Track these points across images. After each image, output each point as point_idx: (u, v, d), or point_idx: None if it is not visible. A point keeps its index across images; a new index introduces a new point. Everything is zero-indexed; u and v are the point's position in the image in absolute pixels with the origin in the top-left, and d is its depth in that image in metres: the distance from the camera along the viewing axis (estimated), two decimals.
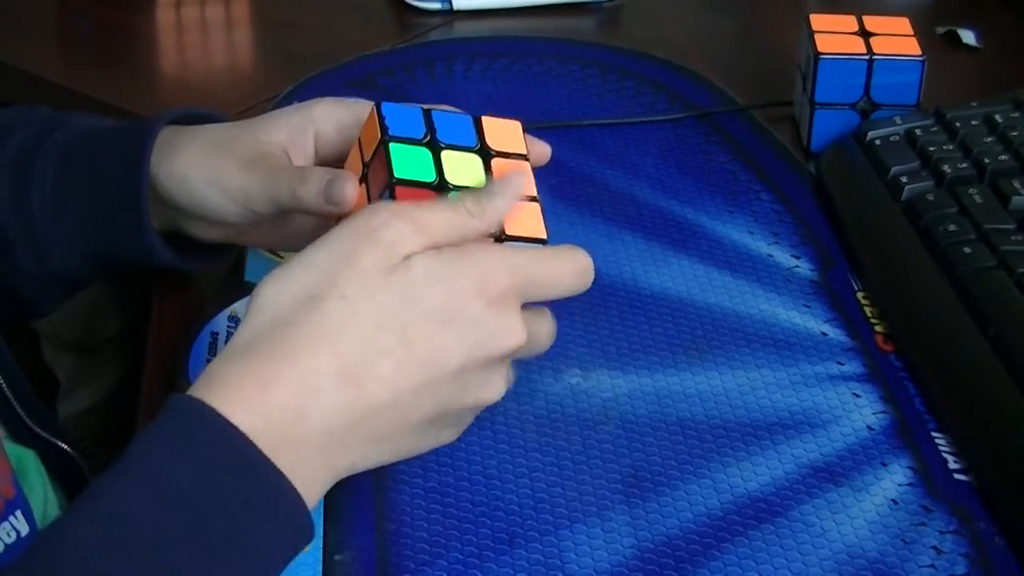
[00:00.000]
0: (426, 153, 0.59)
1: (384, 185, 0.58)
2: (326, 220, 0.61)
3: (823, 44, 0.83)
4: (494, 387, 0.57)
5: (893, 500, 0.60)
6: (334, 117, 0.65)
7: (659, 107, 0.91)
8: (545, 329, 0.59)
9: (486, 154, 0.60)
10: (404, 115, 0.59)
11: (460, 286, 0.54)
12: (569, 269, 0.58)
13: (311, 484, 0.52)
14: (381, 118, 0.59)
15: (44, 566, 0.47)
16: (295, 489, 0.51)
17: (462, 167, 0.59)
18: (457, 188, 0.58)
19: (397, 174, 0.58)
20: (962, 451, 0.62)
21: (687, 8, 1.11)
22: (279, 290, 0.54)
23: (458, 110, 0.62)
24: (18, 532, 0.58)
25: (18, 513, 0.59)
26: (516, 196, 0.58)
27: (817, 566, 0.56)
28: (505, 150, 0.60)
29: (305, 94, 0.90)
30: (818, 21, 0.85)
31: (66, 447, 0.72)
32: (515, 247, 0.57)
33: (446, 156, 0.59)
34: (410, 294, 0.54)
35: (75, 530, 0.48)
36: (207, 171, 0.65)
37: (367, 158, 0.60)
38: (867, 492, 0.60)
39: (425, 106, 0.60)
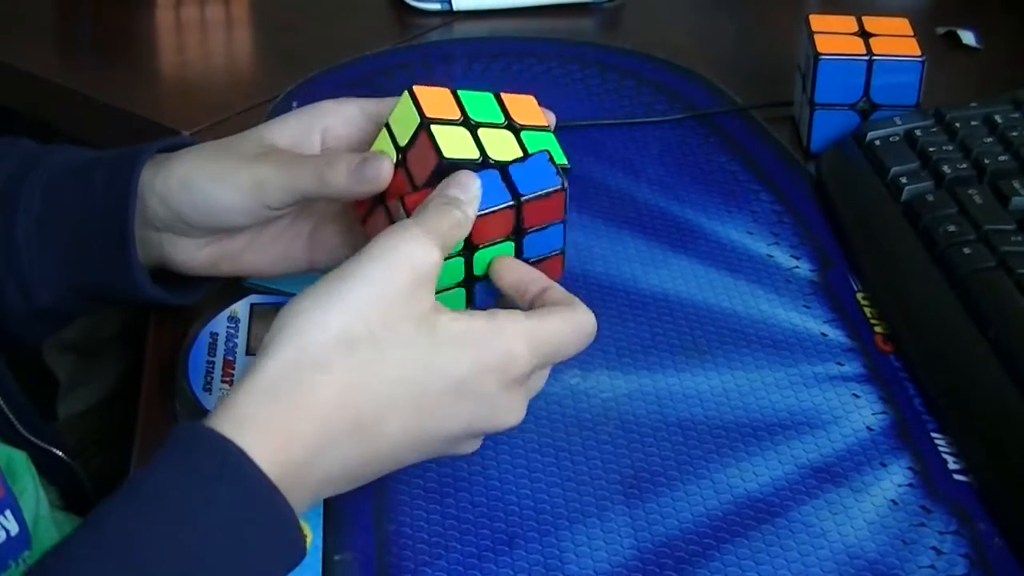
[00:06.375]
0: (465, 132, 0.60)
1: (434, 166, 0.59)
2: (356, 208, 0.62)
3: (823, 44, 0.83)
4: (474, 447, 0.59)
5: (893, 501, 0.60)
6: (341, 112, 0.65)
7: (659, 107, 0.91)
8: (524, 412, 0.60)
9: (515, 128, 0.61)
10: (434, 97, 0.60)
11: (483, 361, 0.55)
12: (583, 340, 0.58)
13: (296, 507, 0.53)
14: (416, 101, 0.60)
15: None
16: (288, 505, 0.51)
17: (499, 143, 0.60)
18: (500, 163, 0.59)
19: (447, 154, 0.59)
20: (962, 452, 0.62)
21: (687, 8, 1.11)
22: (313, 324, 0.53)
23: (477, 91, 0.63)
24: (7, 531, 0.59)
25: (7, 512, 0.59)
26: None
27: (817, 566, 0.56)
28: (529, 123, 0.62)
29: (305, 94, 0.90)
30: (818, 21, 0.85)
31: (59, 452, 0.72)
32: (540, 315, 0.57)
33: (483, 134, 0.60)
34: (435, 354, 0.54)
35: (70, 547, 0.48)
36: (212, 169, 0.63)
37: (403, 143, 0.60)
38: (867, 493, 0.60)
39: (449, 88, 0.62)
